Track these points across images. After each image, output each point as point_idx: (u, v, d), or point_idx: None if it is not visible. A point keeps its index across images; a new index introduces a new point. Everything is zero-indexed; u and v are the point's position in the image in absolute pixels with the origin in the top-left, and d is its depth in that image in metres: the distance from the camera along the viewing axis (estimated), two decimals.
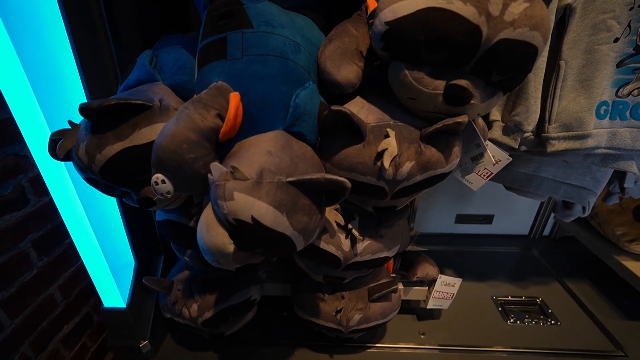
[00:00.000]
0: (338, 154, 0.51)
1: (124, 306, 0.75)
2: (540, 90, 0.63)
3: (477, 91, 0.46)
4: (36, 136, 0.69)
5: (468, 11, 0.40)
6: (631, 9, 0.57)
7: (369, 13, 0.55)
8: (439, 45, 0.42)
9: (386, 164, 0.48)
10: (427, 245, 1.23)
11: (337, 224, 0.60)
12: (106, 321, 0.80)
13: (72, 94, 0.69)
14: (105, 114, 0.48)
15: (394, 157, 0.48)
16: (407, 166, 0.49)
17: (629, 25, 0.58)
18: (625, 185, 0.82)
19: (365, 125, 0.49)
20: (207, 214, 0.44)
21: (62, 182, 0.72)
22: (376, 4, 0.55)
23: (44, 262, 0.78)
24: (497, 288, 1.07)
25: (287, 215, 0.42)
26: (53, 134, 0.52)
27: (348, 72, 0.52)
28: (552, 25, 0.58)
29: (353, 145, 0.50)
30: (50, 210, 0.79)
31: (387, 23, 0.44)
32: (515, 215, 1.28)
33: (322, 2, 0.74)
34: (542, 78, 0.62)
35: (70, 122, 0.54)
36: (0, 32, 0.60)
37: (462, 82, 0.44)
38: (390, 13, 0.44)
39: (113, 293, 0.75)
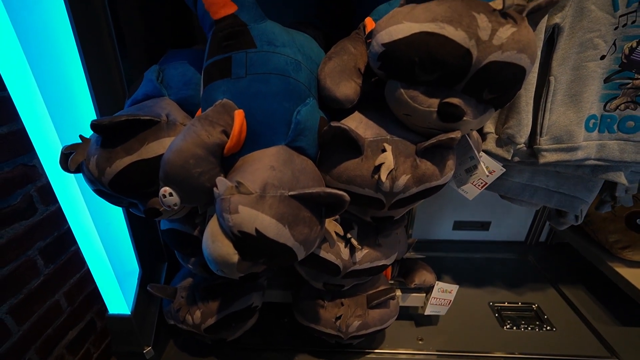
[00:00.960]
0: (337, 167, 0.53)
1: (129, 313, 0.77)
2: (532, 105, 0.66)
3: (469, 108, 0.48)
4: (47, 146, 0.72)
5: (459, 36, 0.42)
6: (616, 28, 0.60)
7: (366, 33, 0.58)
8: (433, 66, 0.44)
9: (383, 177, 0.50)
10: (426, 252, 1.25)
11: (337, 233, 0.62)
12: (110, 327, 0.81)
13: (81, 106, 0.71)
14: (115, 130, 0.51)
15: (391, 171, 0.50)
16: (403, 179, 0.51)
17: (614, 44, 0.61)
18: (617, 194, 0.84)
19: (363, 140, 0.51)
20: (213, 226, 0.46)
21: (71, 191, 0.74)
22: (374, 25, 0.58)
23: (51, 270, 0.80)
24: (494, 294, 1.09)
25: (289, 227, 0.44)
26: (65, 148, 0.54)
27: (347, 88, 0.55)
28: (539, 47, 0.61)
29: (351, 159, 0.52)
30: (56, 219, 0.81)
31: (383, 45, 0.47)
32: (512, 222, 1.30)
33: (322, 19, 0.77)
34: (533, 93, 0.65)
35: (81, 136, 0.56)
36: (15, 49, 0.62)
37: (455, 101, 0.47)
38: (387, 35, 0.46)
39: (118, 300, 0.77)
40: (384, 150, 0.51)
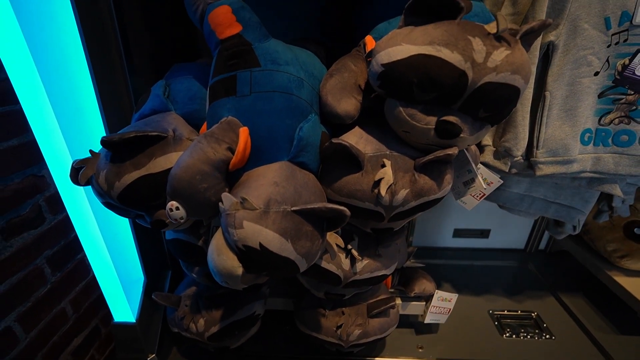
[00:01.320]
0: (338, 181, 0.55)
1: (134, 321, 0.78)
2: (528, 119, 0.67)
3: (465, 126, 0.50)
4: (56, 157, 0.74)
5: (455, 58, 0.44)
6: (608, 46, 0.62)
7: (367, 51, 0.60)
8: (430, 87, 0.46)
9: (383, 191, 0.52)
10: (426, 259, 1.27)
11: (337, 245, 0.64)
12: (116, 335, 0.83)
13: (90, 118, 0.74)
14: (124, 145, 0.53)
15: (390, 185, 0.52)
16: (402, 193, 0.53)
17: (607, 61, 0.63)
18: (614, 205, 0.85)
19: (363, 155, 0.53)
20: (218, 239, 0.48)
21: (78, 200, 0.76)
22: (374, 43, 0.60)
23: (57, 278, 0.81)
24: (494, 302, 1.10)
25: (292, 241, 0.45)
26: (75, 163, 0.56)
27: (347, 105, 0.56)
28: (534, 63, 0.63)
29: (352, 173, 0.54)
30: (64, 227, 0.83)
31: (382, 65, 0.49)
32: (512, 229, 1.32)
33: (325, 33, 0.79)
34: (529, 108, 0.67)
35: (91, 151, 0.58)
36: (28, 64, 0.65)
37: (452, 119, 0.49)
38: (386, 56, 0.48)
39: (123, 308, 0.79)
40: (383, 166, 0.53)
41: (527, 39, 0.49)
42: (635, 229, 1.00)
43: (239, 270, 0.47)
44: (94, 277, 0.87)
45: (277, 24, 0.89)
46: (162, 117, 0.61)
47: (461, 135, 0.50)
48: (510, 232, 1.32)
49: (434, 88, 0.46)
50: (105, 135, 0.73)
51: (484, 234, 1.32)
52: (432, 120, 0.49)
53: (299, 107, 0.54)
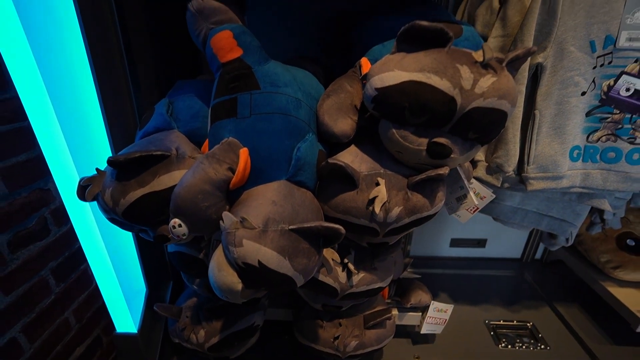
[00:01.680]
0: (334, 198, 0.57)
1: (135, 331, 0.80)
2: (518, 136, 0.70)
3: (456, 147, 0.52)
4: (62, 171, 0.77)
5: (444, 85, 0.47)
6: (594, 67, 0.64)
7: (362, 73, 0.62)
8: (421, 111, 0.49)
9: (377, 209, 0.54)
10: (423, 268, 1.29)
11: (334, 259, 0.66)
12: (118, 345, 0.84)
13: (95, 134, 0.76)
14: (129, 164, 0.55)
15: (384, 203, 0.54)
16: (396, 211, 0.55)
17: (593, 81, 0.65)
18: (605, 217, 0.87)
19: (358, 174, 0.55)
20: (219, 256, 0.50)
21: (83, 213, 0.78)
22: (369, 65, 0.63)
23: (61, 288, 0.83)
24: (490, 312, 1.12)
25: (289, 258, 0.48)
26: (82, 181, 0.58)
27: (343, 125, 0.59)
28: (523, 84, 0.66)
29: (347, 191, 0.56)
30: (68, 239, 0.84)
31: (376, 89, 0.51)
32: (508, 239, 1.33)
33: (324, 51, 0.82)
34: (520, 125, 0.69)
35: (97, 169, 0.60)
36: (37, 82, 0.68)
37: (442, 140, 0.51)
38: (379, 81, 0.51)
39: (125, 319, 0.80)
40: (377, 184, 0.55)
41: (513, 65, 0.51)
42: (628, 240, 1.02)
43: (239, 286, 0.49)
44: (96, 287, 0.89)
45: (280, 41, 0.92)
46: (166, 136, 0.64)
47: (452, 155, 0.52)
48: (506, 242, 1.34)
49: (424, 112, 0.49)
50: (109, 150, 0.76)
51: (480, 243, 1.34)
52: (424, 141, 0.52)
53: (296, 127, 0.57)
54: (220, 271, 0.49)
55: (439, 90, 0.47)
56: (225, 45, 0.57)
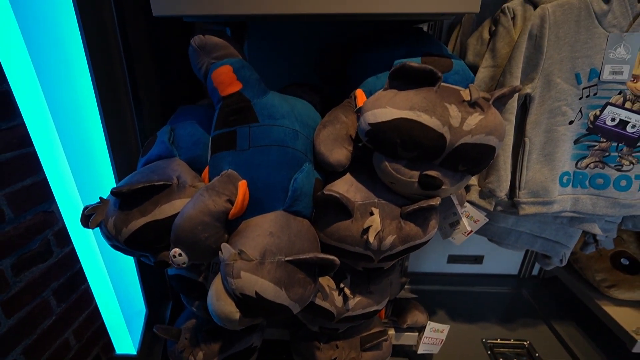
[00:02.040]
0: (330, 227, 0.59)
1: (135, 353, 0.81)
2: (509, 163, 0.72)
3: (446, 179, 0.54)
4: (65, 194, 0.79)
5: (433, 123, 0.49)
6: (580, 98, 0.67)
7: (357, 104, 0.65)
8: (412, 146, 0.51)
9: (371, 238, 0.55)
10: (421, 285, 1.30)
11: (329, 286, 0.67)
12: None
13: (98, 159, 0.79)
14: (131, 194, 0.57)
15: (378, 232, 0.56)
16: (389, 239, 0.57)
17: (580, 111, 0.68)
18: (598, 238, 0.89)
19: (353, 204, 0.57)
20: (217, 285, 0.52)
21: (85, 235, 0.80)
22: (364, 97, 0.65)
23: (62, 309, 0.84)
24: (487, 330, 1.12)
25: (286, 289, 0.49)
26: (86, 210, 0.60)
27: (339, 155, 0.61)
28: (512, 113, 0.68)
29: (343, 220, 0.58)
30: (70, 259, 0.86)
31: (369, 124, 0.54)
32: (505, 256, 1.34)
33: (322, 79, 0.85)
34: (510, 152, 0.71)
35: (101, 198, 0.62)
36: (43, 111, 0.70)
37: (434, 173, 0.53)
38: (372, 116, 0.53)
39: (125, 340, 0.81)
40: (372, 213, 0.57)
41: (500, 101, 0.53)
42: (622, 259, 1.03)
43: (237, 315, 0.50)
44: (96, 306, 0.90)
45: (278, 68, 0.95)
46: (167, 164, 0.66)
47: (443, 187, 0.54)
48: (503, 258, 1.35)
49: (415, 147, 0.51)
50: (112, 174, 0.78)
51: (477, 260, 1.35)
52: (416, 174, 0.54)
53: (294, 158, 0.59)
54: (219, 300, 0.51)
55: (428, 127, 0.49)
56: (225, 79, 0.60)
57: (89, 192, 0.82)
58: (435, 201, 0.55)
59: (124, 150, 0.80)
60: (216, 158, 0.59)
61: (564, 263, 0.91)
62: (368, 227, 0.56)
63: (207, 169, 0.66)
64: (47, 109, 0.74)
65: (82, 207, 0.83)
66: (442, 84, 0.53)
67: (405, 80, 0.52)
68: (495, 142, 0.52)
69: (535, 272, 1.38)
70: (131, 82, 0.79)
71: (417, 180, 0.54)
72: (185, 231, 0.52)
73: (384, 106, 0.52)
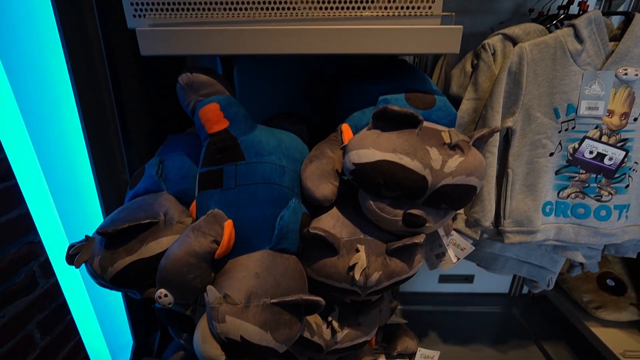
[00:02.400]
0: (317, 263, 0.60)
1: None
2: (494, 193, 0.73)
3: (430, 217, 0.55)
4: (49, 228, 0.78)
5: (415, 165, 0.50)
6: (559, 132, 0.69)
7: (343, 138, 0.66)
8: (395, 187, 0.52)
9: (357, 276, 0.56)
10: (413, 305, 1.30)
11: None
12: None
13: (85, 190, 0.78)
14: (118, 234, 0.57)
15: (364, 269, 0.57)
16: (375, 276, 0.57)
17: (560, 144, 0.70)
18: (583, 262, 0.90)
19: (339, 241, 0.58)
20: (203, 327, 0.52)
21: (68, 268, 0.79)
22: (350, 131, 0.66)
23: (47, 341, 0.83)
24: (478, 352, 1.12)
25: (271, 331, 0.49)
26: (72, 250, 0.60)
27: (325, 190, 0.62)
28: (495, 145, 0.70)
29: (329, 257, 0.58)
30: (55, 290, 0.85)
31: (354, 164, 0.55)
32: (495, 275, 1.35)
33: (312, 108, 0.86)
34: (494, 184, 0.73)
35: (86, 237, 0.62)
36: (25, 142, 0.70)
37: (417, 212, 0.54)
38: (356, 157, 0.54)
39: None
40: (357, 250, 0.58)
41: (480, 142, 0.55)
42: (608, 280, 1.05)
43: (222, 358, 0.50)
44: (81, 338, 0.88)
45: (267, 96, 0.97)
46: (155, 199, 0.66)
47: (427, 224, 0.55)
48: (494, 277, 1.36)
49: (398, 188, 0.52)
50: (99, 206, 0.78)
51: (468, 279, 1.35)
52: (400, 212, 0.55)
53: (280, 195, 0.60)
54: (205, 343, 0.51)
55: (410, 170, 0.50)
56: (212, 117, 0.61)
57: (75, 224, 0.82)
58: (420, 239, 0.56)
59: (111, 181, 0.79)
60: (203, 196, 0.59)
61: (551, 287, 0.92)
62: (354, 264, 0.57)
63: (194, 204, 0.66)
64: (30, 142, 0.74)
65: (66, 240, 0.83)
66: (424, 124, 0.54)
67: (388, 122, 0.54)
68: (476, 182, 0.53)
69: (525, 290, 1.39)
70: (119, 112, 0.79)
71: (401, 218, 0.55)
72: (171, 273, 0.52)
73: (368, 147, 0.53)
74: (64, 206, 0.81)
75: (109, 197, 0.78)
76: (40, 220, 0.78)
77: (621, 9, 0.84)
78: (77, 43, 0.67)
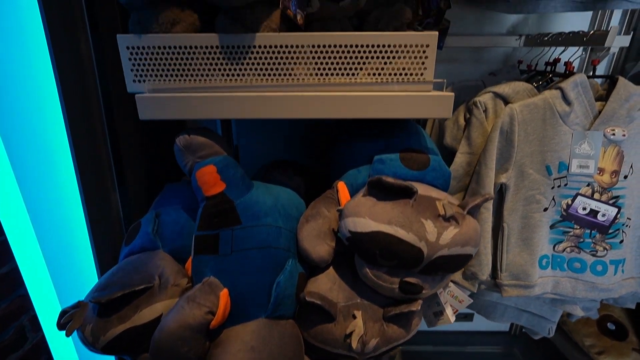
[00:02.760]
0: (313, 328, 0.59)
1: None
2: (490, 248, 0.74)
3: (426, 284, 0.55)
4: (37, 284, 0.77)
5: (410, 238, 0.50)
6: (552, 188, 0.70)
7: (339, 197, 0.66)
8: (391, 257, 0.52)
9: (354, 343, 0.55)
10: (412, 345, 1.27)
11: None
12: None
13: (78, 243, 0.78)
14: (111, 302, 0.56)
15: (361, 336, 0.56)
16: (372, 342, 0.56)
17: (553, 199, 0.71)
18: (582, 315, 0.90)
19: (335, 308, 0.57)
20: None
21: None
22: (345, 190, 0.67)
23: None
24: None
25: None
26: (63, 318, 0.59)
27: (321, 251, 0.62)
28: (489, 204, 0.71)
29: (326, 323, 0.58)
30: (43, 345, 0.83)
31: (350, 232, 0.55)
32: None
33: (309, 156, 0.87)
34: (490, 238, 0.73)
35: (79, 302, 0.61)
36: (16, 197, 0.70)
37: (413, 280, 0.54)
38: (352, 225, 0.55)
39: None
40: (354, 316, 0.57)
41: (474, 209, 0.56)
42: (609, 324, 1.04)
43: None
44: None
45: (266, 145, 0.98)
46: (150, 259, 0.65)
47: (423, 291, 0.55)
48: None
49: (394, 258, 0.52)
50: (93, 260, 0.77)
51: (467, 317, 1.34)
52: (396, 280, 0.55)
53: (276, 258, 0.59)
54: None
55: (406, 242, 0.50)
56: (209, 179, 0.61)
57: (67, 281, 0.81)
58: (416, 306, 0.55)
59: (105, 235, 0.79)
60: (199, 260, 0.59)
61: (551, 335, 0.91)
62: (351, 332, 0.56)
63: (189, 261, 0.66)
64: (21, 197, 0.74)
65: (55, 295, 0.81)
66: (420, 191, 0.55)
67: (382, 191, 0.54)
68: (471, 251, 0.53)
69: None
70: (116, 162, 0.80)
71: (398, 286, 0.55)
72: (164, 346, 0.51)
73: (364, 216, 0.54)
74: (55, 262, 0.80)
75: (103, 250, 0.78)
76: (28, 274, 0.77)
77: (604, 65, 0.87)
78: (75, 97, 0.69)
